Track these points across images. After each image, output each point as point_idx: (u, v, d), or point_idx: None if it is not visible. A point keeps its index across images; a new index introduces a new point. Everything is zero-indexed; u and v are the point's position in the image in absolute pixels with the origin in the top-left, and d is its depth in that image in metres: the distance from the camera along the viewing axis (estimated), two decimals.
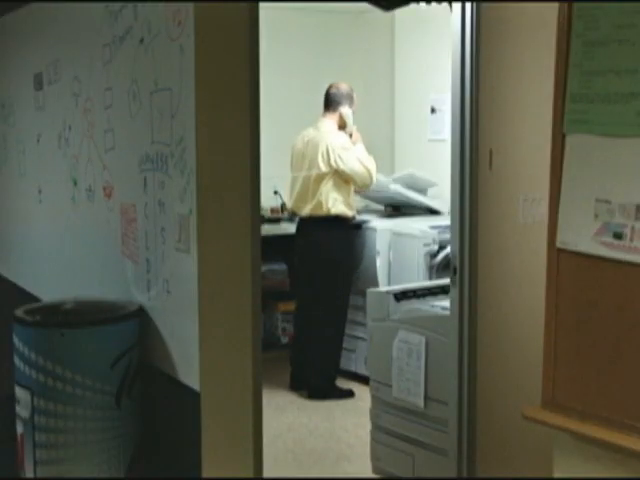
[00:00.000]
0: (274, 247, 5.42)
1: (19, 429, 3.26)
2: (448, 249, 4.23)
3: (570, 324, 2.25)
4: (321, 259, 5.26)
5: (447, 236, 3.97)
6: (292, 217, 5.68)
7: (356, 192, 5.57)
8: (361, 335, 5.27)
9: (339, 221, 5.24)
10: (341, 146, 5.19)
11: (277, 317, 6.07)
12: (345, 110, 5.30)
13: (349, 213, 5.26)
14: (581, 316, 2.23)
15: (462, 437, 3.40)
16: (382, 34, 6.40)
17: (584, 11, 2.19)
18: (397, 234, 5.27)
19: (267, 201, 5.96)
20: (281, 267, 5.88)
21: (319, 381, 5.30)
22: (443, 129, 5.68)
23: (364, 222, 5.44)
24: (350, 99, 5.34)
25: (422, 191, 5.80)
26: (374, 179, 5.28)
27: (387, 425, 3.92)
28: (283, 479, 4.06)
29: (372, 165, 5.27)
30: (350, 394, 5.26)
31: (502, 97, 3.27)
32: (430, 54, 5.85)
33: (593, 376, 2.20)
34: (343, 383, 5.46)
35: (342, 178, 5.21)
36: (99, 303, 3.42)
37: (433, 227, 5.22)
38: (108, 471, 3.16)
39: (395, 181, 5.70)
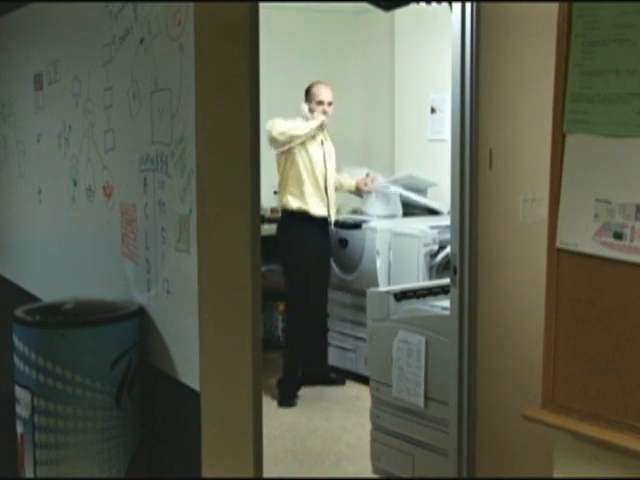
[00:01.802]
0: (274, 247, 5.43)
1: (19, 429, 3.26)
2: (448, 249, 4.23)
3: (570, 324, 2.25)
4: (278, 254, 5.32)
5: (447, 236, 3.97)
6: None
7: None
8: (361, 335, 5.27)
9: (289, 214, 5.25)
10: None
11: (277, 317, 6.07)
12: (301, 107, 5.32)
13: (293, 205, 5.21)
14: (581, 316, 2.23)
15: (462, 437, 3.40)
16: (382, 34, 6.41)
17: (584, 11, 2.19)
18: (397, 234, 5.27)
19: (267, 201, 5.96)
20: (281, 267, 5.89)
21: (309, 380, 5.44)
22: (443, 129, 5.68)
23: (364, 222, 5.44)
24: (306, 95, 5.34)
25: (422, 191, 5.80)
26: (272, 132, 5.09)
27: (387, 425, 3.92)
28: (283, 479, 4.06)
29: (280, 124, 5.12)
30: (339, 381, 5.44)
31: (502, 97, 3.27)
32: (430, 54, 5.85)
33: (593, 376, 2.20)
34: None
35: (287, 171, 5.23)
36: (99, 303, 3.42)
37: (433, 227, 5.22)
38: (108, 471, 3.16)
39: (394, 182, 5.71)
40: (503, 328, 3.31)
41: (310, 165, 5.23)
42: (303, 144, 5.20)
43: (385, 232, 5.30)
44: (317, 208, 5.24)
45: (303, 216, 5.22)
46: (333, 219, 5.37)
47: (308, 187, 5.23)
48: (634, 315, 2.10)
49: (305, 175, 5.22)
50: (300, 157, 5.21)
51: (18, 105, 4.74)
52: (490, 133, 3.27)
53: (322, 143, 5.31)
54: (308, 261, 5.23)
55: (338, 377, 5.50)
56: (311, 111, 5.26)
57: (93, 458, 3.14)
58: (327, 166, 5.30)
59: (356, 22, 6.54)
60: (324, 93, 5.29)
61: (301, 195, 5.21)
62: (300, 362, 5.34)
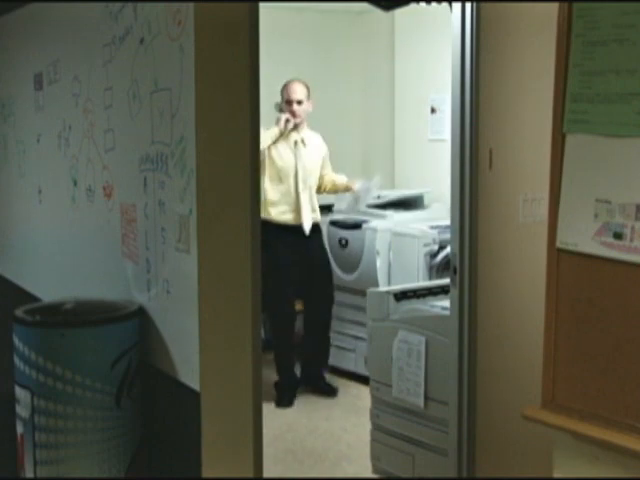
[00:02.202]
0: None
1: (19, 429, 3.26)
2: (448, 249, 4.23)
3: (570, 324, 2.25)
4: None
5: (447, 236, 3.97)
6: None
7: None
8: (361, 335, 5.27)
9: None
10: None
11: None
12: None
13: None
14: (581, 316, 2.23)
15: (462, 437, 3.40)
16: (382, 34, 6.41)
17: (584, 11, 2.19)
18: (397, 234, 5.27)
19: None
20: None
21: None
22: (443, 129, 5.68)
23: (364, 222, 5.43)
24: (280, 95, 5.21)
25: (418, 203, 5.78)
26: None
27: (387, 425, 3.92)
28: (283, 479, 4.06)
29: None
30: (332, 393, 5.29)
31: (502, 97, 3.27)
32: (430, 54, 5.85)
33: (593, 376, 2.20)
34: (343, 383, 5.47)
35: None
36: (99, 303, 3.42)
37: (433, 227, 5.22)
38: (108, 471, 3.16)
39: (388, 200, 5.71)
40: (503, 328, 3.31)
41: (275, 170, 5.06)
42: (268, 149, 5.02)
43: (385, 232, 5.30)
44: (284, 215, 5.09)
45: (266, 224, 4.88)
46: (308, 225, 5.09)
47: (271, 194, 5.04)
48: (634, 315, 2.10)
49: (268, 182, 5.04)
50: (267, 163, 5.04)
51: (18, 105, 4.74)
52: (490, 133, 3.27)
53: (296, 144, 5.12)
54: (273, 270, 4.99)
55: (331, 388, 5.32)
56: (282, 111, 5.13)
57: (93, 458, 3.13)
58: (298, 168, 5.09)
59: (356, 22, 6.54)
60: (292, 92, 5.09)
61: (263, 203, 4.85)
62: (286, 365, 5.24)
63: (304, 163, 5.13)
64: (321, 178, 5.37)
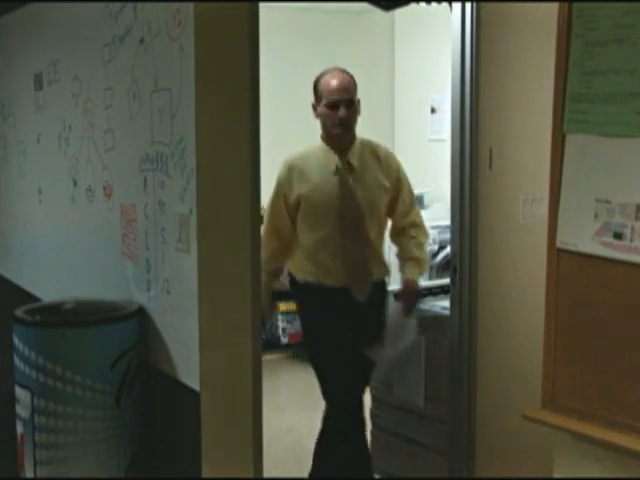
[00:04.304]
0: None
1: (19, 429, 3.26)
2: (448, 249, 4.23)
3: (570, 324, 2.25)
4: None
5: (447, 236, 3.97)
6: None
7: None
8: None
9: None
10: None
11: (277, 317, 6.06)
12: None
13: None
14: (581, 316, 2.23)
15: (462, 437, 3.40)
16: (382, 34, 6.41)
17: (584, 11, 2.19)
18: None
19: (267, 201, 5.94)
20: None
21: None
22: (443, 129, 5.69)
23: None
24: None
25: (419, 203, 5.78)
26: None
27: (387, 425, 3.92)
28: (283, 479, 4.06)
29: None
30: None
31: (502, 97, 3.27)
32: (430, 54, 5.86)
33: (593, 376, 2.20)
34: None
35: None
36: (99, 303, 3.42)
37: (433, 227, 5.22)
38: (108, 471, 3.15)
39: None
40: (503, 328, 3.31)
41: (311, 208, 3.47)
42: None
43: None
44: (324, 275, 3.49)
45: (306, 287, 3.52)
46: (360, 288, 3.56)
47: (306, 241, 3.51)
48: (634, 315, 2.10)
49: (300, 223, 3.51)
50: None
51: (18, 105, 4.74)
52: (490, 133, 3.27)
53: (337, 170, 3.45)
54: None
55: None
56: (321, 117, 3.48)
57: (93, 458, 3.13)
58: (341, 205, 3.41)
59: (356, 22, 6.54)
60: (336, 87, 3.37)
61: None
62: None
63: (349, 197, 3.36)
64: (397, 230, 3.64)
